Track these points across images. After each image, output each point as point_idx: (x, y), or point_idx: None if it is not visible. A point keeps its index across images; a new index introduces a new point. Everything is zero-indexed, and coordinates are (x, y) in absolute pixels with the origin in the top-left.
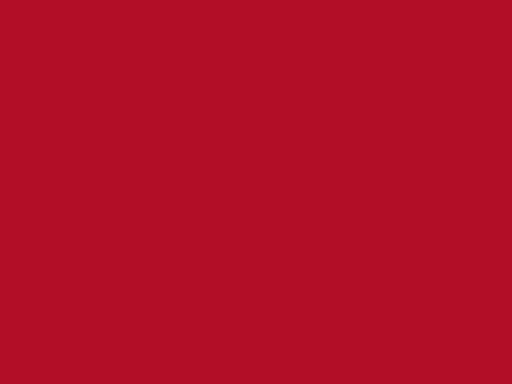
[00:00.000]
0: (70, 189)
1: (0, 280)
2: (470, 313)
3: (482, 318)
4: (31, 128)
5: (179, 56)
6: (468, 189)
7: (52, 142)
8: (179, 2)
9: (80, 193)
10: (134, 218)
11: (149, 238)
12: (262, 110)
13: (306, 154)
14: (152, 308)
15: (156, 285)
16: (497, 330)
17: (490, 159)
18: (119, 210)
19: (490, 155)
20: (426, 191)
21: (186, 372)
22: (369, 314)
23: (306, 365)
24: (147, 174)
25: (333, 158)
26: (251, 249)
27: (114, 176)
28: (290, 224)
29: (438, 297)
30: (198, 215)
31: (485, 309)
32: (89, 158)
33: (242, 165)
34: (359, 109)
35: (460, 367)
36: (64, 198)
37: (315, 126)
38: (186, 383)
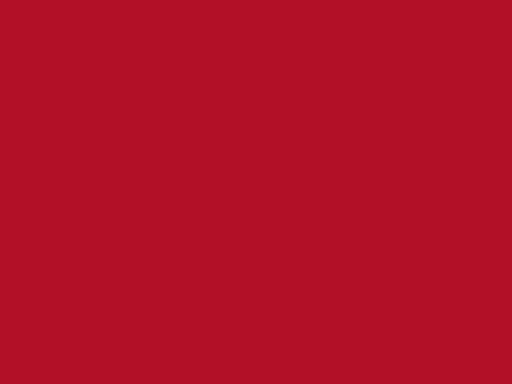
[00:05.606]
0: (70, 189)
1: (0, 280)
2: (469, 313)
3: (481, 318)
4: (31, 128)
5: (179, 56)
6: (468, 189)
7: (52, 142)
8: (179, 2)
9: (80, 193)
10: (133, 218)
11: (149, 238)
12: (261, 110)
13: (306, 154)
14: (152, 308)
15: (156, 285)
16: (497, 330)
17: (489, 159)
18: (119, 210)
19: (489, 155)
20: (426, 191)
21: (186, 372)
22: (369, 315)
23: (306, 365)
24: (147, 173)
25: (333, 158)
26: (251, 249)
27: (113, 176)
28: (289, 224)
29: (438, 297)
30: (198, 215)
31: (485, 309)
32: (89, 158)
33: (241, 165)
34: (359, 109)
35: (460, 367)
36: (64, 198)
37: (315, 126)
38: (186, 383)
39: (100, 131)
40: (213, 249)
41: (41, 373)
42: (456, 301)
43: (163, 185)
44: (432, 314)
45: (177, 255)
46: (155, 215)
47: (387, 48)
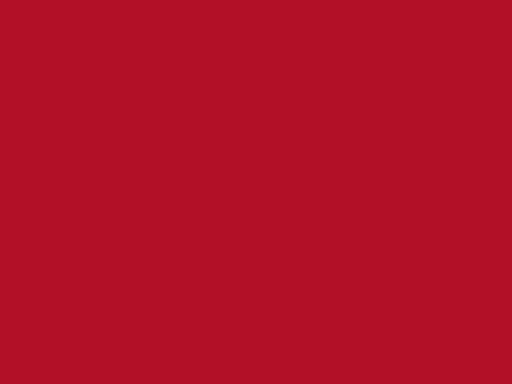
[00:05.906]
0: (70, 189)
1: (0, 280)
2: (469, 313)
3: (481, 318)
4: (31, 128)
5: (179, 56)
6: (468, 189)
7: (52, 142)
8: (179, 2)
9: (80, 193)
10: (134, 219)
11: (149, 239)
12: (262, 110)
13: (306, 154)
14: (152, 308)
15: (156, 285)
16: (497, 330)
17: (489, 159)
18: (119, 210)
19: (489, 155)
20: (426, 192)
21: (186, 372)
22: (369, 314)
23: (306, 365)
24: (147, 174)
25: (333, 158)
26: (251, 249)
27: (114, 176)
28: (290, 224)
29: (438, 297)
30: (198, 216)
31: (485, 309)
32: (89, 158)
33: (241, 165)
34: (359, 109)
35: (460, 367)
36: (64, 198)
37: (315, 126)
38: (186, 383)
39: (100, 131)
40: (213, 249)
41: (41, 373)
42: (456, 301)
43: (163, 184)
44: (432, 314)
45: (177, 255)
46: (155, 215)
47: (387, 48)
